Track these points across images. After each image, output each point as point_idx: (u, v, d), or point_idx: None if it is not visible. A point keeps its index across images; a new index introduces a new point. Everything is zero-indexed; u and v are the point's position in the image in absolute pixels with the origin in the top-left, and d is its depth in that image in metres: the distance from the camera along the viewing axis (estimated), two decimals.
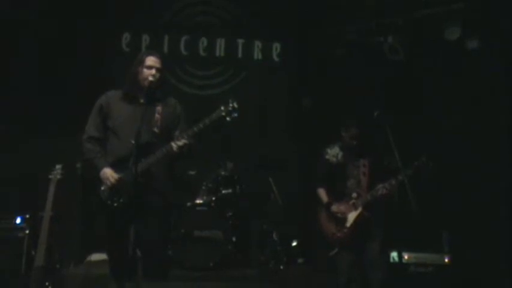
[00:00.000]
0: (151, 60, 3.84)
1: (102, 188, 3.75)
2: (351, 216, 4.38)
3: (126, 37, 6.19)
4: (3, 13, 5.56)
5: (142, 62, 3.84)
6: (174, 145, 3.68)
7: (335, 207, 4.40)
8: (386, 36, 5.87)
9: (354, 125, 4.46)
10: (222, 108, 3.72)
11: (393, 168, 3.99)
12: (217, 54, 6.34)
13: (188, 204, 5.16)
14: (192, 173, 5.47)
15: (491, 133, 5.38)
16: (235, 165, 5.46)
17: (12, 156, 5.51)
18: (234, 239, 5.02)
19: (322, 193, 4.51)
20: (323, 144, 4.67)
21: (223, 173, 5.40)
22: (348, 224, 4.38)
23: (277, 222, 5.36)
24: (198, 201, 5.23)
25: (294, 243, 5.45)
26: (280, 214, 5.37)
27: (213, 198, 5.24)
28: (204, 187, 5.36)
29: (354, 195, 4.40)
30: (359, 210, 4.36)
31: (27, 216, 4.72)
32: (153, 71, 3.80)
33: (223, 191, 5.30)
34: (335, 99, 6.16)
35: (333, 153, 4.53)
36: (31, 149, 5.54)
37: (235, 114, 3.71)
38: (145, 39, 6.21)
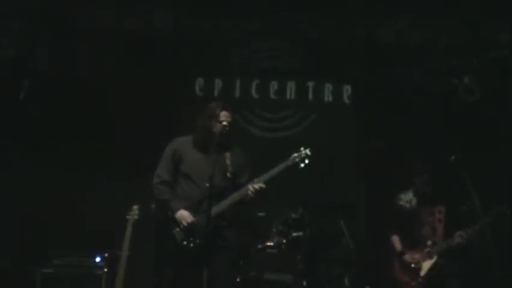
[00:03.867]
0: (225, 116, 4.00)
1: (177, 230, 3.88)
2: (426, 265, 4.25)
3: (200, 82, 6.40)
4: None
5: (216, 117, 3.99)
6: (251, 188, 3.78)
7: (408, 257, 4.29)
8: (461, 77, 5.75)
9: (427, 171, 4.36)
10: (295, 154, 3.83)
11: (472, 215, 3.85)
12: (288, 97, 6.43)
13: (259, 246, 5.18)
14: (262, 214, 5.50)
15: None
16: (306, 208, 5.44)
17: (93, 197, 5.76)
18: (304, 283, 4.96)
19: (395, 240, 4.42)
20: (393, 187, 4.58)
21: (293, 215, 5.39)
22: (422, 273, 4.25)
23: (349, 267, 5.25)
24: (268, 243, 5.22)
25: None
26: (352, 258, 5.26)
27: (284, 241, 5.22)
28: (274, 229, 5.36)
29: (429, 243, 4.28)
30: (434, 258, 4.23)
31: (106, 255, 4.94)
32: (227, 127, 3.97)
33: (294, 234, 5.27)
34: (405, 141, 6.06)
35: (407, 199, 4.45)
36: (110, 190, 5.77)
37: (308, 161, 3.80)
38: (218, 83, 6.40)
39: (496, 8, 5.46)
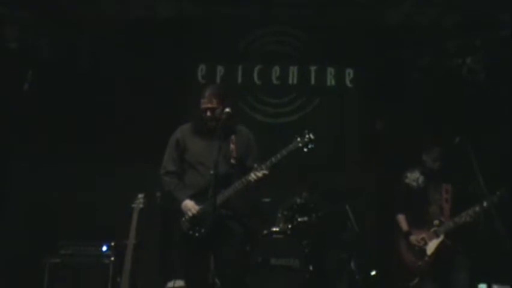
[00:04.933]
0: (202, 103, 3.92)
1: (183, 219, 3.86)
2: (433, 244, 4.24)
3: (202, 69, 6.38)
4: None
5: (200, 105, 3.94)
6: (254, 176, 3.75)
7: (413, 238, 4.27)
8: (464, 58, 5.70)
9: (437, 146, 4.32)
10: (299, 139, 3.79)
11: (478, 194, 3.83)
12: (290, 82, 6.39)
13: (265, 232, 5.18)
14: (267, 200, 5.50)
15: None
16: (311, 193, 5.44)
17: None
18: (310, 267, 4.97)
19: (402, 220, 4.40)
20: (398, 169, 4.56)
21: (298, 200, 5.38)
22: (429, 252, 4.23)
23: (355, 251, 5.25)
24: (274, 229, 5.23)
25: (373, 273, 5.31)
26: (358, 242, 5.26)
27: (289, 226, 5.22)
28: (279, 215, 5.36)
29: (436, 222, 4.25)
30: (441, 238, 4.21)
31: (113, 243, 4.96)
32: (208, 113, 3.89)
33: (299, 219, 5.27)
34: (410, 124, 6.03)
35: (414, 177, 4.41)
36: (116, 179, 5.79)
37: (312, 145, 3.76)
38: (220, 70, 6.37)
39: None
